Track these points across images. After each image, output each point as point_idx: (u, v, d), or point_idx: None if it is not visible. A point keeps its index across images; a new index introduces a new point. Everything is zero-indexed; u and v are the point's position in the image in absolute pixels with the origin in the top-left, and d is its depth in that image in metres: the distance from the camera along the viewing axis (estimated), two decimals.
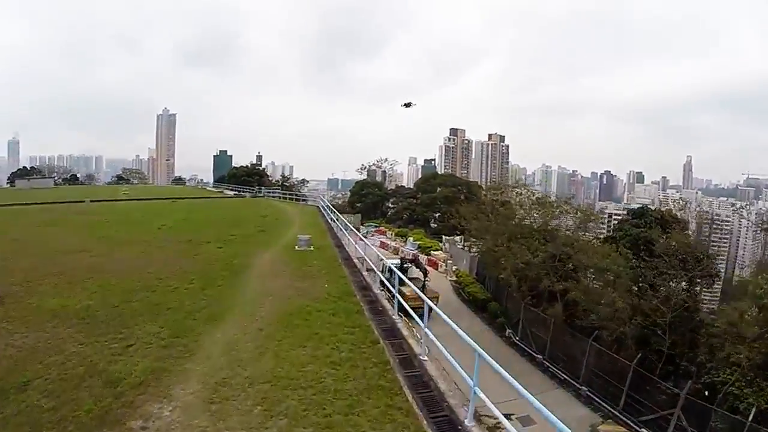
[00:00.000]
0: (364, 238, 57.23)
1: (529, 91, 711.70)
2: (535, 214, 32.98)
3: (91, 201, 43.33)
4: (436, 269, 44.39)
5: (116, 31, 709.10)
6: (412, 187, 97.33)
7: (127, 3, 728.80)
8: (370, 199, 77.23)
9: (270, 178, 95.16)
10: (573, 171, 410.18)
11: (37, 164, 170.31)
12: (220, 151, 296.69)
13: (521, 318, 30.38)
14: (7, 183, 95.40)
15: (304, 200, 51.65)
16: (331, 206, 35.74)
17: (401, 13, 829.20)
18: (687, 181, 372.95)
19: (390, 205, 79.54)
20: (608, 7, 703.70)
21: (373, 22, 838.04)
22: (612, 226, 51.80)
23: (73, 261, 17.15)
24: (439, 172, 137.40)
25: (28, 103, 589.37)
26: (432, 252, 48.62)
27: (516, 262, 27.89)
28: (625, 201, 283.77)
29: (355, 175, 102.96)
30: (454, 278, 41.83)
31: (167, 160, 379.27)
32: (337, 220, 28.16)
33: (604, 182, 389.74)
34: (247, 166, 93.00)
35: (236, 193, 62.41)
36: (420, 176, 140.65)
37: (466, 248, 50.52)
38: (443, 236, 56.37)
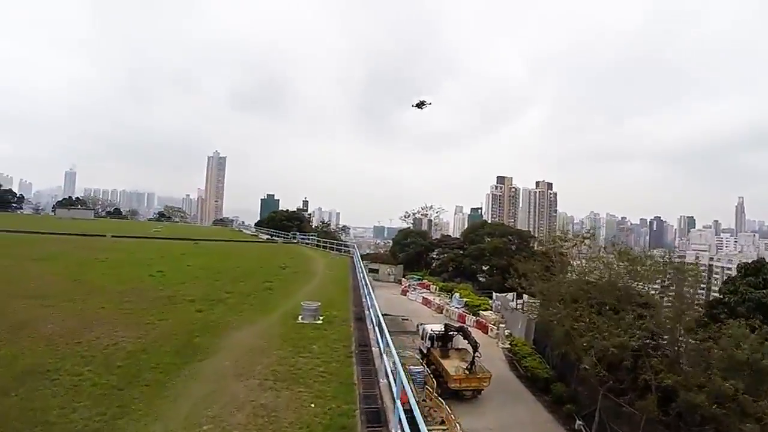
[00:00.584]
0: (406, 291, 51.05)
1: (576, 137, 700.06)
2: (621, 272, 25.60)
3: (113, 236, 40.28)
4: (486, 333, 37.44)
5: (174, 72, 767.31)
6: (458, 236, 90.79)
7: (186, 46, 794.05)
8: (413, 249, 71.07)
9: (311, 224, 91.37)
10: (622, 218, 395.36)
11: (92, 195, 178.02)
12: (267, 194, 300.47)
13: (598, 408, 23.37)
14: (52, 211, 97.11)
15: (338, 249, 45.85)
16: (361, 260, 30.18)
17: (449, 61, 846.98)
18: (740, 223, 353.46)
19: (435, 255, 72.88)
20: (654, 47, 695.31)
21: (421, 70, 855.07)
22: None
23: (16, 311, 13.61)
24: (487, 221, 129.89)
25: (87, 136, 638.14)
26: (481, 312, 41.59)
27: (603, 343, 20.56)
28: (677, 247, 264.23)
29: (401, 223, 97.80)
30: (507, 345, 34.69)
31: (216, 201, 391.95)
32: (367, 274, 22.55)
33: (654, 228, 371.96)
34: (286, 210, 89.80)
35: (269, 237, 58.05)
36: (466, 225, 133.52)
37: (520, 308, 43.22)
38: (493, 293, 49.06)
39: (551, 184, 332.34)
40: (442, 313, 43.22)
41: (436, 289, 53.80)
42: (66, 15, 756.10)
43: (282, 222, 75.03)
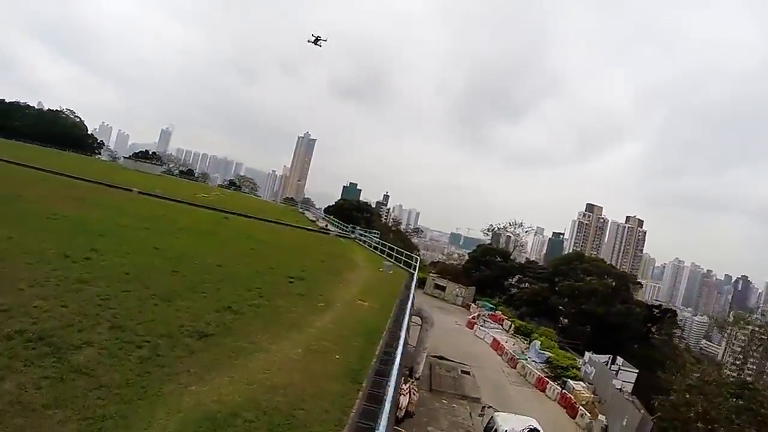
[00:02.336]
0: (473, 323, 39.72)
1: (672, 178, 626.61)
2: None
3: (140, 192, 33.75)
4: (573, 417, 25.56)
5: (280, 54, 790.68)
6: (536, 260, 76.87)
7: (296, 31, 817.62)
8: (491, 270, 58.91)
9: (384, 220, 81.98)
10: (708, 271, 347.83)
11: (174, 155, 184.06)
12: (350, 183, 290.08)
13: None
14: (124, 159, 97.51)
15: (397, 259, 32.21)
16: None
17: (553, 81, 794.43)
18: None
19: (514, 282, 60.20)
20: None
21: (524, 86, 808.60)
22: None
23: None
24: (568, 249, 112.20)
25: (190, 101, 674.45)
26: (568, 380, 29.25)
27: None
28: (759, 314, 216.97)
29: (479, 235, 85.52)
30: None
31: (298, 180, 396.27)
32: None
33: (739, 288, 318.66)
34: (357, 201, 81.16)
35: (324, 226, 49.01)
36: (545, 249, 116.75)
37: (626, 392, 30.44)
38: (586, 353, 36.10)
39: (642, 221, 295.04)
40: (515, 368, 31.57)
41: (510, 327, 41.92)
42: None
43: (350, 212, 66.23)
